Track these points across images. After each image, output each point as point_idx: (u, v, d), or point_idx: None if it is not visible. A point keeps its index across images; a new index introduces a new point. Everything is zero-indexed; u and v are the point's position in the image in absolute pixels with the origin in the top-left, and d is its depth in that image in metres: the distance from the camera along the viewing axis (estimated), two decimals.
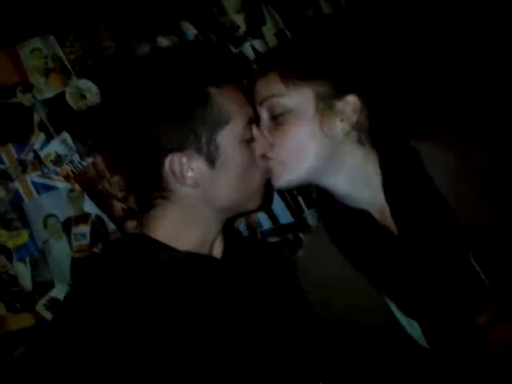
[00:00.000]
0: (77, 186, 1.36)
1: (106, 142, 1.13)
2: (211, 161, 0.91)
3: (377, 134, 1.01)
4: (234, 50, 1.55)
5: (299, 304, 1.06)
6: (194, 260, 0.93)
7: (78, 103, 1.38)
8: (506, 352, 0.86)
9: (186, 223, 0.95)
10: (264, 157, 1.00)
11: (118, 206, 1.38)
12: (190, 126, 0.89)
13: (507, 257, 0.91)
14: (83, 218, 1.36)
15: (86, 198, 1.36)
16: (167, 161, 0.90)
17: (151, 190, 0.93)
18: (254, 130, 0.99)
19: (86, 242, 1.35)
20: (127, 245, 0.95)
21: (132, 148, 0.92)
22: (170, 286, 0.88)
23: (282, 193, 1.43)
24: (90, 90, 1.39)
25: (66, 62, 1.38)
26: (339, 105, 0.99)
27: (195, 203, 0.94)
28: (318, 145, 0.99)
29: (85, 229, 1.35)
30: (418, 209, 0.97)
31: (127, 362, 0.79)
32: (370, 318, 1.02)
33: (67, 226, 1.35)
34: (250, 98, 1.03)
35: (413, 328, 0.99)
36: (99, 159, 1.38)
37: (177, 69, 0.92)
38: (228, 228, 1.04)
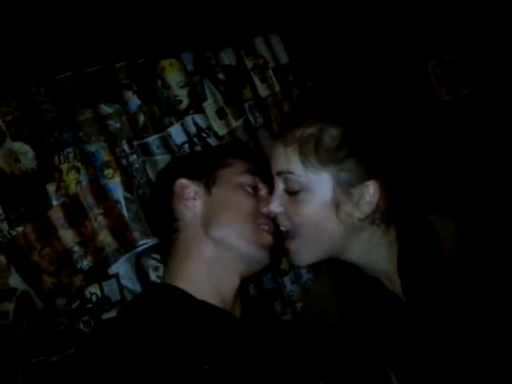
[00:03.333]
0: (3, 258, 1.22)
1: None
2: (208, 187, 1.08)
3: (395, 212, 1.01)
4: (175, 122, 1.57)
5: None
6: (215, 315, 0.98)
7: (11, 167, 1.27)
8: None
9: (199, 264, 1.04)
10: (281, 225, 1.05)
11: (48, 281, 1.26)
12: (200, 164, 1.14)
13: None
14: (8, 293, 1.21)
15: (13, 271, 1.22)
16: (175, 184, 1.09)
17: (166, 224, 1.09)
18: (257, 182, 1.11)
19: (7, 321, 1.20)
20: (153, 296, 1.02)
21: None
22: (188, 337, 0.92)
23: None
24: (26, 154, 1.29)
25: (1, 123, 1.27)
26: (358, 193, 0.96)
27: (197, 233, 1.05)
28: (333, 228, 0.98)
29: (8, 306, 1.20)
30: (429, 286, 0.98)
31: None
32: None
33: None
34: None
35: None
36: (30, 228, 1.26)
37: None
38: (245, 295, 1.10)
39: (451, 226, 1.04)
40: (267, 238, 1.07)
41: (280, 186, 1.03)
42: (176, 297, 0.99)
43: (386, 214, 1.00)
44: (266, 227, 1.08)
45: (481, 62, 1.79)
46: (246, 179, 1.10)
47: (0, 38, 1.28)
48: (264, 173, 1.14)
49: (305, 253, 1.03)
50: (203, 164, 1.14)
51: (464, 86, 1.80)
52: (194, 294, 0.99)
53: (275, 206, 1.04)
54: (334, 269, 1.15)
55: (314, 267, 1.68)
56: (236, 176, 1.10)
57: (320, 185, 0.97)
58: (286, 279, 1.70)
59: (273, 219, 1.08)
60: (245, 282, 1.10)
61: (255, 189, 1.12)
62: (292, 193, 1.01)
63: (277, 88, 1.79)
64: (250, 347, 0.98)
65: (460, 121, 1.77)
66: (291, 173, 0.99)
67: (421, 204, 1.09)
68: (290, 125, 1.04)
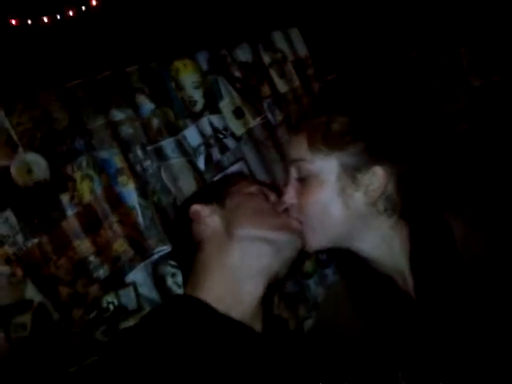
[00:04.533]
0: (19, 270, 1.22)
1: None
2: (221, 202, 1.10)
3: (407, 204, 1.00)
4: (190, 124, 1.53)
5: None
6: (236, 329, 0.97)
7: (24, 178, 1.27)
8: None
9: (222, 272, 1.02)
10: (294, 217, 1.05)
11: (65, 292, 1.26)
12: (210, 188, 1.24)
13: None
14: (24, 305, 1.22)
15: (29, 283, 1.23)
16: (190, 211, 1.10)
17: (189, 248, 1.09)
18: (266, 191, 1.14)
19: (25, 333, 1.21)
20: (174, 309, 1.01)
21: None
22: (208, 352, 0.91)
23: None
24: (39, 164, 1.29)
25: (13, 134, 1.27)
26: (362, 178, 0.98)
27: (220, 242, 1.04)
28: (340, 213, 0.99)
29: (25, 318, 1.21)
30: (443, 283, 0.95)
31: None
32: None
33: (5, 315, 1.20)
34: None
35: None
36: (45, 239, 1.26)
37: None
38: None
39: (461, 222, 1.00)
40: (290, 220, 1.08)
41: (294, 174, 1.06)
42: (197, 310, 0.99)
43: (398, 205, 1.00)
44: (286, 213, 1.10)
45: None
46: (255, 189, 1.15)
47: (9, 48, 1.28)
48: (271, 186, 1.19)
49: (312, 238, 1.04)
50: (213, 187, 1.25)
51: (495, 73, 1.67)
52: (215, 306, 0.99)
53: (289, 197, 1.07)
54: (347, 268, 1.15)
55: (339, 268, 1.64)
56: (245, 188, 1.15)
57: (327, 170, 1.00)
58: (310, 282, 1.64)
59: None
60: (269, 289, 1.07)
61: (265, 195, 1.15)
62: (302, 180, 1.04)
63: (296, 82, 1.72)
64: (268, 364, 0.96)
65: (492, 107, 1.65)
66: (301, 160, 1.02)
67: (438, 198, 1.05)
68: (303, 116, 1.10)
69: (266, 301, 1.07)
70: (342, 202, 0.99)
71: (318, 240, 1.05)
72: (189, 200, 1.21)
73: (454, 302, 0.94)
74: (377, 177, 0.98)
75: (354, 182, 0.98)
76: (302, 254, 1.11)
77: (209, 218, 1.09)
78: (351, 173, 0.98)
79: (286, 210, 1.09)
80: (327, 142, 0.99)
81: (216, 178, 1.52)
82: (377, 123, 1.02)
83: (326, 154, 1.00)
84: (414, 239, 1.00)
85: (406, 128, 1.05)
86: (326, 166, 1.00)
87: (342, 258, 1.15)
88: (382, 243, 1.01)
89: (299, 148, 1.03)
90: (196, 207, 1.12)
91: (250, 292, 1.03)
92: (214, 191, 1.17)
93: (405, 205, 1.00)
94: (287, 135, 1.65)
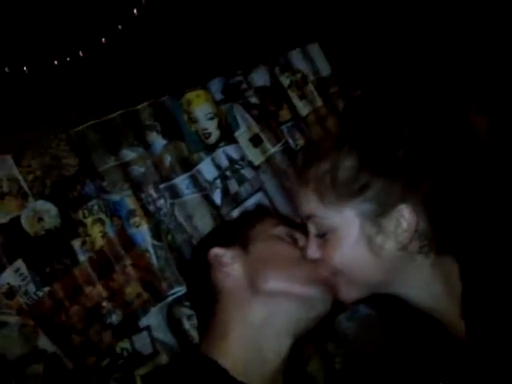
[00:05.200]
0: (30, 321, 1.23)
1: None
2: (244, 247, 0.99)
3: (443, 237, 0.89)
4: (205, 157, 1.48)
5: None
6: None
7: (35, 227, 1.28)
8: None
9: (243, 331, 0.93)
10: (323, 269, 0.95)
11: (77, 340, 1.25)
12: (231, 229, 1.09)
13: None
14: (36, 356, 1.22)
15: (41, 333, 1.23)
16: (210, 255, 0.99)
17: (207, 298, 0.99)
18: (293, 232, 1.03)
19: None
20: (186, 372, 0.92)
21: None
22: None
23: None
24: (49, 212, 1.30)
25: (23, 183, 1.29)
26: (388, 223, 0.87)
27: (243, 296, 0.95)
28: (372, 265, 0.89)
29: (38, 369, 1.21)
30: (499, 325, 0.84)
31: None
32: None
33: (17, 366, 1.21)
34: None
35: None
36: (57, 287, 1.27)
37: None
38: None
39: None
40: (319, 272, 0.96)
41: (312, 230, 0.96)
42: (213, 377, 0.89)
43: (433, 240, 0.88)
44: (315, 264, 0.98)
45: None
46: (281, 230, 1.03)
47: (16, 93, 1.29)
48: (297, 224, 1.07)
49: (346, 291, 0.95)
50: (233, 227, 1.10)
51: None
52: (233, 371, 0.89)
53: (312, 252, 0.96)
54: (386, 310, 1.09)
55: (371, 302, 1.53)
56: (269, 230, 1.03)
57: (346, 223, 0.90)
58: (341, 317, 1.53)
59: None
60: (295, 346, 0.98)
61: (293, 238, 1.03)
62: (321, 236, 0.93)
63: (319, 102, 1.61)
64: None
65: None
66: (314, 216, 0.93)
67: (480, 224, 0.92)
68: (306, 163, 0.96)
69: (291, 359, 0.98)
70: (371, 253, 0.88)
71: (353, 292, 0.95)
72: (207, 241, 1.10)
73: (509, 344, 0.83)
74: (404, 217, 0.86)
75: (379, 229, 0.88)
76: (335, 308, 1.00)
77: (230, 266, 0.98)
78: (374, 220, 0.88)
79: (317, 260, 0.99)
80: (338, 191, 0.89)
81: (236, 215, 1.45)
82: (390, 157, 0.89)
83: (340, 206, 0.89)
84: (464, 277, 0.88)
85: (424, 153, 0.91)
86: (344, 219, 0.89)
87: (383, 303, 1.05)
88: (424, 286, 0.91)
89: (309, 202, 0.93)
90: (217, 251, 1.00)
91: (274, 351, 0.93)
92: (236, 232, 1.05)
93: (440, 238, 0.89)
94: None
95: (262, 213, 1.22)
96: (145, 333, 1.33)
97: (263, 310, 0.93)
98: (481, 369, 0.85)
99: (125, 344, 1.30)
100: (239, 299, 0.95)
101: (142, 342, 1.31)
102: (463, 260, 0.90)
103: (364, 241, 0.88)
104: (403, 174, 0.88)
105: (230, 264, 0.98)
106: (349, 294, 0.95)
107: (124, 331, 1.31)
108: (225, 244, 1.01)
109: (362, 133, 0.97)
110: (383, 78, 1.56)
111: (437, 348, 0.94)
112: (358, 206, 0.88)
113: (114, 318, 1.30)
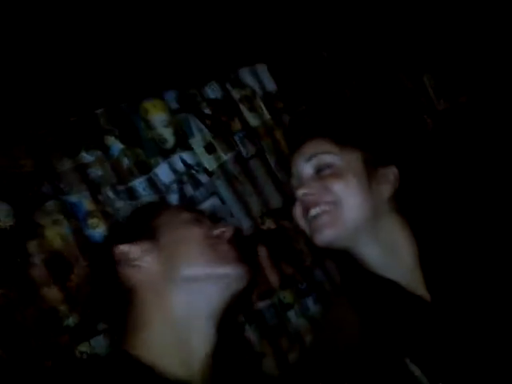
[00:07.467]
0: None
1: None
2: (152, 237, 0.96)
3: (407, 203, 1.05)
4: (161, 162, 1.52)
5: None
6: None
7: None
8: None
9: (165, 323, 0.90)
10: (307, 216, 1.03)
11: (33, 343, 1.20)
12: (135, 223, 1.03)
13: None
14: None
15: None
16: (115, 252, 0.95)
17: (117, 300, 0.94)
18: (197, 215, 1.04)
19: None
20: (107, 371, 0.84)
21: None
22: None
23: None
24: (3, 212, 1.26)
25: None
26: (383, 170, 1.04)
27: (160, 287, 0.92)
28: (365, 202, 1.00)
29: None
30: (456, 281, 0.95)
31: None
32: None
33: None
34: None
35: None
36: (11, 288, 1.22)
37: None
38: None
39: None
40: (229, 249, 1.00)
41: (308, 171, 1.06)
42: (134, 372, 0.84)
43: (401, 203, 1.05)
44: (224, 241, 1.02)
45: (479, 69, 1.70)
46: (186, 215, 1.02)
47: None
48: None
49: (328, 230, 1.00)
50: (135, 221, 1.04)
51: (462, 95, 1.70)
52: (160, 367, 0.85)
53: (304, 190, 1.04)
54: (350, 280, 1.13)
55: (321, 299, 1.61)
56: (174, 217, 1.02)
57: (351, 160, 1.04)
58: (291, 313, 1.60)
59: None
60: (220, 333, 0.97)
61: (199, 222, 1.03)
62: (324, 170, 1.04)
63: (267, 116, 1.73)
64: None
65: (459, 129, 1.68)
66: (325, 152, 1.05)
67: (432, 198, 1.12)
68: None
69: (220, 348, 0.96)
70: (368, 189, 1.01)
71: (332, 232, 1.00)
72: (109, 239, 1.04)
73: (469, 297, 0.93)
74: (394, 173, 1.05)
75: (374, 175, 1.03)
76: (250, 286, 1.03)
77: (140, 259, 0.94)
78: (374, 165, 1.04)
79: (228, 240, 1.03)
80: (353, 141, 1.06)
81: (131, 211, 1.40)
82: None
83: (352, 149, 1.05)
84: (419, 236, 1.02)
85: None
86: (353, 158, 1.04)
87: (345, 269, 1.15)
88: (390, 248, 1.02)
89: (322, 144, 1.06)
90: (122, 248, 0.95)
91: (201, 339, 0.91)
92: (139, 226, 1.00)
93: (404, 203, 1.05)
94: (261, 169, 1.66)
95: (159, 204, 1.24)
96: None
97: (184, 298, 0.91)
98: (447, 326, 0.93)
99: (84, 347, 1.26)
100: (155, 291, 0.92)
101: (101, 345, 1.29)
102: (417, 222, 1.04)
103: (364, 180, 1.02)
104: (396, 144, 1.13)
105: (139, 258, 0.94)
106: (328, 234, 1.00)
107: (82, 334, 1.27)
108: (129, 240, 0.97)
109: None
110: (325, 97, 1.72)
111: (400, 309, 0.99)
112: (364, 153, 1.04)
113: (71, 321, 1.27)
